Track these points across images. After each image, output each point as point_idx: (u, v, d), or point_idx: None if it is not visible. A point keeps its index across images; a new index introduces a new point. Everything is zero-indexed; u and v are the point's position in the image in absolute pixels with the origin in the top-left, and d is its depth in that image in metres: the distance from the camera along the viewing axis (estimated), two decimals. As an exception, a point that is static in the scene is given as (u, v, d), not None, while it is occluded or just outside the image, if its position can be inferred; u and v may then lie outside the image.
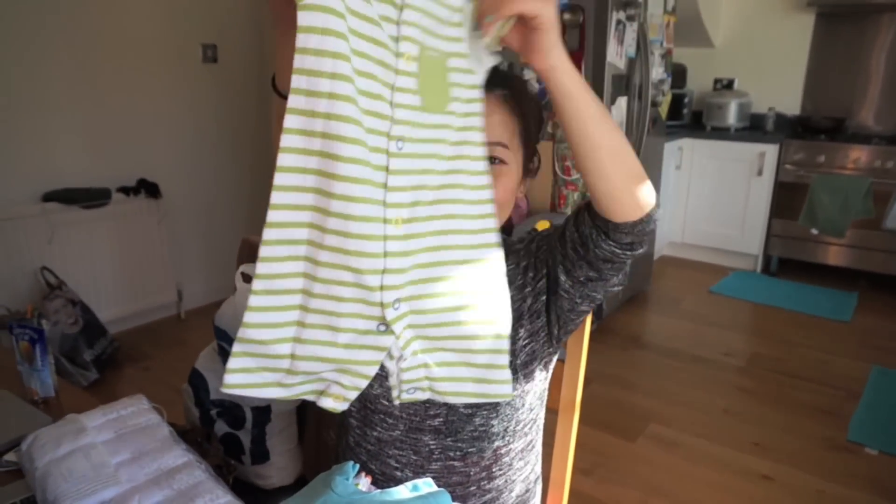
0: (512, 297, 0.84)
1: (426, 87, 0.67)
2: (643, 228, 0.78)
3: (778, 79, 4.24)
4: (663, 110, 3.53)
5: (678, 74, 4.21)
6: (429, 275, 0.73)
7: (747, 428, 2.42)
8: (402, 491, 0.69)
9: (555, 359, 1.01)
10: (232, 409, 1.33)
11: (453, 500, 0.73)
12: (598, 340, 3.17)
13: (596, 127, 0.73)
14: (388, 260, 0.68)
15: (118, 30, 2.98)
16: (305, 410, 1.44)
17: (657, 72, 3.30)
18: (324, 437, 1.50)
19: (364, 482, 0.71)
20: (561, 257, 0.86)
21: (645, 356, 3.07)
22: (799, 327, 3.34)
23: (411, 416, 0.96)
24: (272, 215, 0.65)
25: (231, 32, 3.46)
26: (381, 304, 0.69)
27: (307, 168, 0.63)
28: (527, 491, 1.04)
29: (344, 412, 1.03)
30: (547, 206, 3.03)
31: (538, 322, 0.91)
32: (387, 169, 0.67)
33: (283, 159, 0.63)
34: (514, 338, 0.89)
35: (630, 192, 0.75)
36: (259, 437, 1.33)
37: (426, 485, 0.72)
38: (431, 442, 0.94)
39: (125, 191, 3.08)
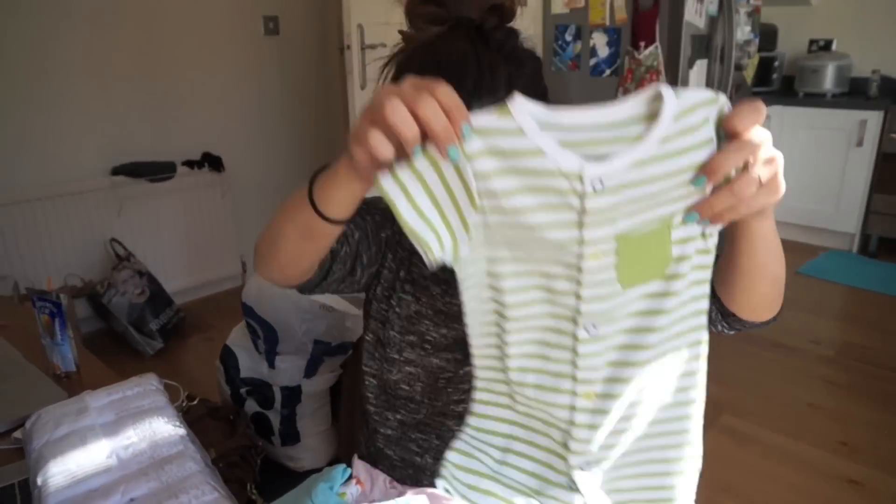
0: None
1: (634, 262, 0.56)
2: (760, 327, 0.76)
3: (885, 37, 3.80)
4: (749, 75, 3.22)
5: (767, 35, 3.84)
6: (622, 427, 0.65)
7: (834, 425, 2.19)
8: None
9: None
10: (261, 387, 1.29)
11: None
12: (669, 323, 2.98)
13: (773, 259, 0.67)
14: (574, 429, 0.63)
15: (181, 3, 2.99)
16: (340, 391, 1.38)
17: (742, 32, 3.01)
18: (359, 419, 1.44)
19: (353, 491, 0.63)
20: None
21: (722, 342, 2.83)
22: (899, 314, 3.02)
23: (433, 400, 0.89)
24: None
25: (292, 4, 3.42)
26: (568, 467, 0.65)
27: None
28: None
29: (363, 397, 0.96)
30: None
31: None
32: (575, 352, 0.59)
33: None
34: None
35: (771, 307, 0.73)
36: (289, 418, 1.28)
37: (418, 502, 0.62)
38: (455, 427, 0.87)
39: (190, 164, 3.12)
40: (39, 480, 0.74)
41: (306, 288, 0.80)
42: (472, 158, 0.50)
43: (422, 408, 0.92)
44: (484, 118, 0.49)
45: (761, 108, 0.52)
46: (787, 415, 2.26)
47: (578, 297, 0.56)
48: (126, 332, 2.79)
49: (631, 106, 0.50)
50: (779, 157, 0.56)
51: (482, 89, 0.74)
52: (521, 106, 0.48)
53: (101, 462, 0.76)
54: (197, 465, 0.76)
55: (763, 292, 0.69)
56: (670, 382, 0.64)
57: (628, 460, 0.66)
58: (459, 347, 0.87)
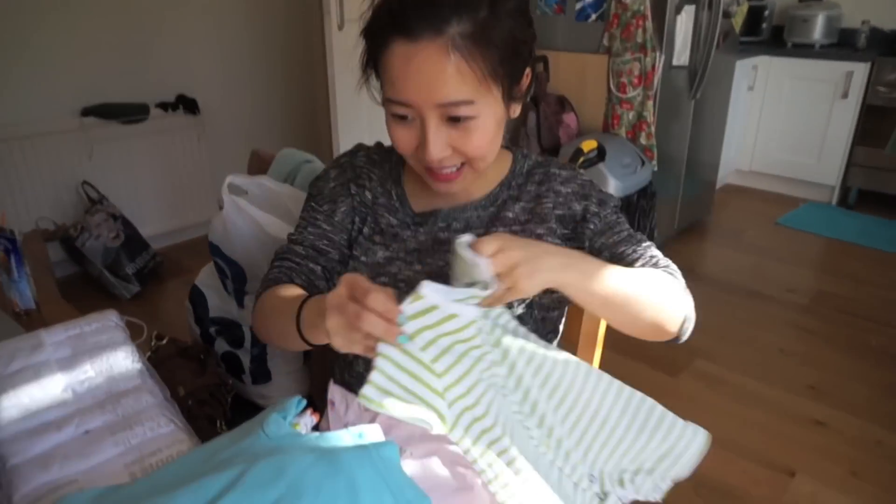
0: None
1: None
2: (672, 343, 0.86)
3: (876, -14, 3.73)
4: (737, 23, 3.15)
5: (758, -19, 3.76)
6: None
7: (804, 370, 2.23)
8: (343, 437, 0.59)
9: None
10: (231, 327, 1.28)
11: None
12: (648, 272, 2.99)
13: (627, 309, 0.76)
14: None
15: (149, -66, 2.85)
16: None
17: (732, -24, 2.93)
18: (330, 358, 1.43)
19: (307, 421, 0.62)
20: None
21: (698, 289, 2.82)
22: (873, 265, 3.05)
23: None
24: None
25: (268, -63, 3.27)
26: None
27: None
28: None
29: (347, 356, 0.95)
30: (599, 125, 2.80)
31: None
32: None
33: None
34: None
35: (655, 336, 0.83)
36: (260, 357, 1.27)
37: (374, 433, 0.61)
38: None
39: (164, 106, 3.03)
40: (-7, 413, 0.73)
41: None
42: (413, 337, 0.63)
43: None
44: (408, 307, 0.62)
45: (493, 240, 0.66)
46: (759, 360, 2.30)
47: None
48: (101, 275, 2.75)
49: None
50: (520, 262, 0.66)
51: (462, 6, 0.71)
52: (428, 288, 0.62)
53: (56, 396, 0.75)
54: (154, 398, 0.74)
55: (642, 328, 0.80)
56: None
57: None
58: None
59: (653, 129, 2.70)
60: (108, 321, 0.92)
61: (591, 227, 0.88)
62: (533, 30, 0.81)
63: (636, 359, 2.25)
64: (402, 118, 0.77)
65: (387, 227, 0.91)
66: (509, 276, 0.65)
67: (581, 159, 2.40)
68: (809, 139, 3.74)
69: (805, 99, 3.69)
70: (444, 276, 0.84)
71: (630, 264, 0.84)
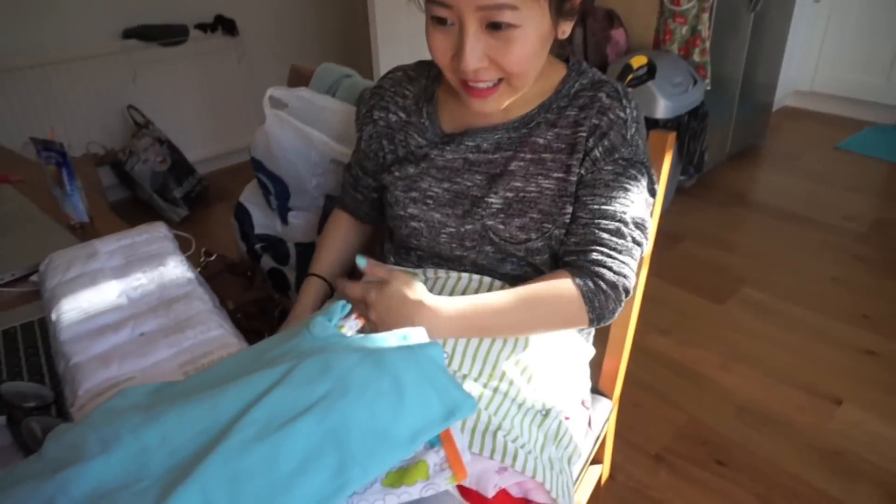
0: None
1: None
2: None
3: None
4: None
5: None
6: None
7: (857, 300, 2.16)
8: (388, 338, 0.59)
9: None
10: (276, 243, 1.29)
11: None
12: (696, 196, 2.90)
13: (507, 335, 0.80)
14: None
15: None
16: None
17: None
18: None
19: (352, 325, 0.62)
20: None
21: (749, 216, 2.78)
22: (940, 192, 2.89)
23: (438, 255, 0.90)
24: None
25: None
26: None
27: None
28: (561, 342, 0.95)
29: (382, 249, 0.97)
30: (649, 42, 2.66)
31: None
32: None
33: None
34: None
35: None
36: (304, 273, 1.29)
37: (418, 335, 0.61)
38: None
39: (203, 28, 3.00)
40: (54, 316, 0.76)
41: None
42: None
43: (431, 259, 0.93)
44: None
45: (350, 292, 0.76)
46: (810, 289, 2.23)
47: None
48: (151, 199, 2.82)
49: None
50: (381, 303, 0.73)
51: None
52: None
53: (111, 301, 0.77)
54: (204, 304, 0.76)
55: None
56: None
57: None
58: (460, 202, 0.87)
59: (707, 44, 2.55)
60: (158, 232, 0.94)
61: (582, 171, 0.81)
62: None
63: (680, 285, 2.21)
64: (441, 22, 0.73)
65: (416, 147, 0.90)
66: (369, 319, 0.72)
67: (629, 77, 2.29)
68: (880, 56, 3.48)
69: (880, 11, 3.42)
70: (469, 196, 0.86)
71: (568, 237, 0.82)
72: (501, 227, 0.83)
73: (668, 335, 2.00)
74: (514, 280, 0.86)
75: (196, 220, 2.88)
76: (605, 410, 1.11)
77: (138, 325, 0.72)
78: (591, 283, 0.77)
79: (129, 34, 2.79)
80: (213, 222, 2.89)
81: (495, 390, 0.75)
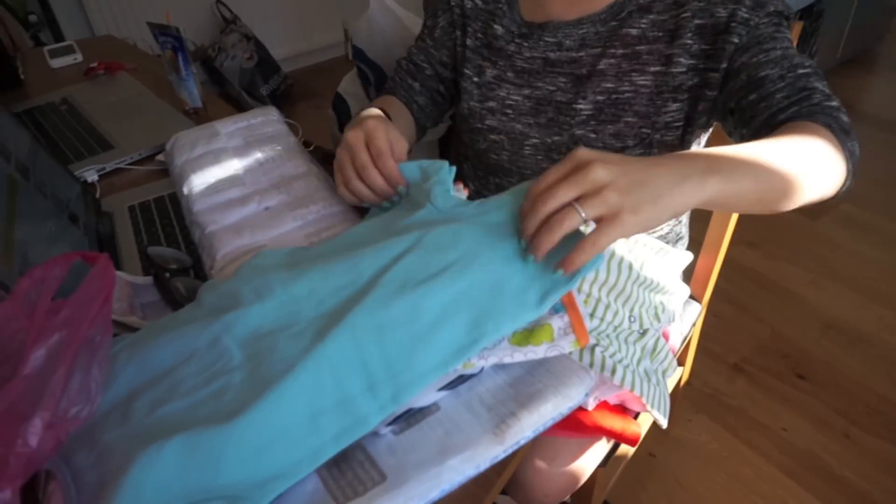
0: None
1: None
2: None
3: None
4: None
5: None
6: None
7: (968, 220, 2.03)
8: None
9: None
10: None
11: None
12: (798, 108, 2.72)
13: (775, 204, 0.57)
14: None
15: None
16: (449, 144, 1.39)
17: None
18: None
19: (460, 193, 0.65)
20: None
21: (855, 128, 2.59)
22: None
23: (522, 169, 0.88)
24: None
25: None
26: None
27: None
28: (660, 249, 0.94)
29: (461, 169, 0.99)
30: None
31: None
32: None
33: None
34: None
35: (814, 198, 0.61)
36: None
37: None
38: None
39: (288, -82, 2.94)
40: (185, 190, 0.81)
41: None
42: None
43: (513, 176, 0.90)
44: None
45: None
46: (916, 207, 2.11)
47: None
48: (240, 96, 2.89)
49: None
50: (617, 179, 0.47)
51: None
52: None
53: (235, 177, 0.82)
54: (322, 182, 0.80)
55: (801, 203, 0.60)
56: None
57: None
58: (543, 110, 0.82)
59: (831, -65, 2.30)
60: (272, 115, 0.98)
61: (736, 39, 0.69)
62: None
63: (774, 198, 2.12)
64: None
65: (492, 38, 0.84)
66: (600, 206, 0.46)
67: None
68: None
69: None
70: (552, 102, 0.79)
71: (769, 98, 0.66)
72: (593, 135, 0.77)
73: (755, 248, 1.96)
74: None
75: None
76: (693, 314, 1.11)
77: (263, 200, 0.77)
78: (835, 126, 0.62)
79: (217, -75, 2.78)
80: (298, 120, 2.94)
81: (591, 315, 0.71)
